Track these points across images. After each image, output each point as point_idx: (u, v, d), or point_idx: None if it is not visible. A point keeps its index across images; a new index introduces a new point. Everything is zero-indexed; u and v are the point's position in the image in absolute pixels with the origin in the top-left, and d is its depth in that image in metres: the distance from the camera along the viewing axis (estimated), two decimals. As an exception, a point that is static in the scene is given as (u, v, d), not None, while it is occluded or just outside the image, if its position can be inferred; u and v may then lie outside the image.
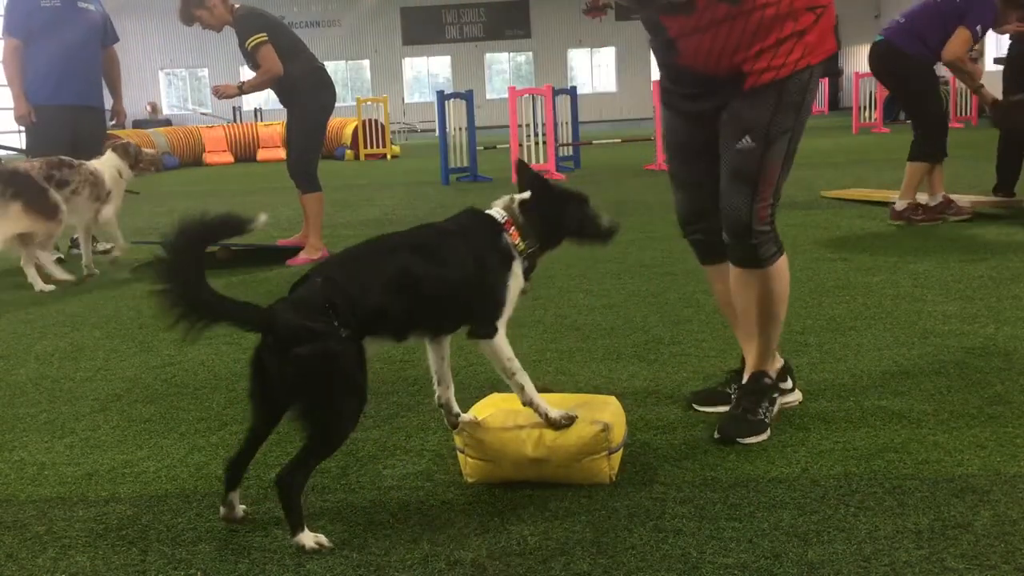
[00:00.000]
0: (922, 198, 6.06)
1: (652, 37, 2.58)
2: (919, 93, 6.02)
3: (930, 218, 5.95)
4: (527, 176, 2.40)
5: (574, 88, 12.86)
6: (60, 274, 5.51)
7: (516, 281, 2.27)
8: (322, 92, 5.72)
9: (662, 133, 2.82)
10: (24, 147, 6.61)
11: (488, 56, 34.30)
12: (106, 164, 5.73)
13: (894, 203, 6.09)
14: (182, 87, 34.53)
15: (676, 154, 2.74)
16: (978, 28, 5.66)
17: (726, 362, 3.15)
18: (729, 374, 2.82)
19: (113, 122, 6.99)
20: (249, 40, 5.45)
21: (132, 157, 5.81)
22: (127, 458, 2.61)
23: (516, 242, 2.28)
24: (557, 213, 2.36)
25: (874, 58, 6.10)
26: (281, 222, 7.75)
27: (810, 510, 2.06)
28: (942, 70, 6.15)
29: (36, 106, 6.20)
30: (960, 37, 5.65)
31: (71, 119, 6.29)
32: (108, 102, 6.79)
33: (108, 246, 6.64)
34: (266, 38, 5.45)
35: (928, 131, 5.97)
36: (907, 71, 5.92)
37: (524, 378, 2.27)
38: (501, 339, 2.24)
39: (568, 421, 2.26)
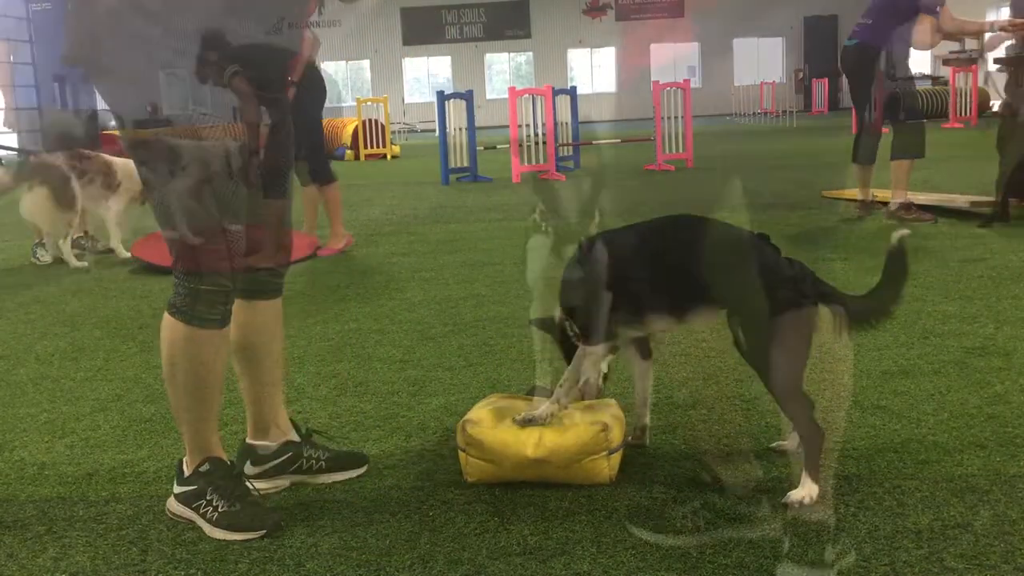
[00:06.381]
0: (927, 198, 6.04)
1: None
2: (898, 87, 6.11)
3: (919, 217, 5.97)
4: None
5: (574, 88, 12.85)
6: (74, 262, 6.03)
7: None
8: (315, 90, 5.87)
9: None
10: (17, 147, 6.62)
11: (488, 56, 34.26)
12: (123, 158, 6.06)
13: (888, 203, 6.15)
14: (182, 87, 34.52)
15: None
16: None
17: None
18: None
19: (113, 122, 6.99)
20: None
21: None
22: (127, 458, 2.61)
23: None
24: None
25: (847, 61, 6.38)
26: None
27: (810, 510, 2.06)
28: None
29: (28, 108, 6.21)
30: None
31: (64, 120, 6.29)
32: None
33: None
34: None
35: (908, 126, 6.07)
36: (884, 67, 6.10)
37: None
38: None
39: (523, 422, 2.29)
